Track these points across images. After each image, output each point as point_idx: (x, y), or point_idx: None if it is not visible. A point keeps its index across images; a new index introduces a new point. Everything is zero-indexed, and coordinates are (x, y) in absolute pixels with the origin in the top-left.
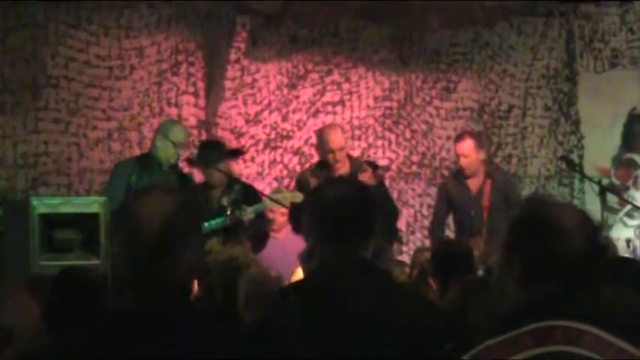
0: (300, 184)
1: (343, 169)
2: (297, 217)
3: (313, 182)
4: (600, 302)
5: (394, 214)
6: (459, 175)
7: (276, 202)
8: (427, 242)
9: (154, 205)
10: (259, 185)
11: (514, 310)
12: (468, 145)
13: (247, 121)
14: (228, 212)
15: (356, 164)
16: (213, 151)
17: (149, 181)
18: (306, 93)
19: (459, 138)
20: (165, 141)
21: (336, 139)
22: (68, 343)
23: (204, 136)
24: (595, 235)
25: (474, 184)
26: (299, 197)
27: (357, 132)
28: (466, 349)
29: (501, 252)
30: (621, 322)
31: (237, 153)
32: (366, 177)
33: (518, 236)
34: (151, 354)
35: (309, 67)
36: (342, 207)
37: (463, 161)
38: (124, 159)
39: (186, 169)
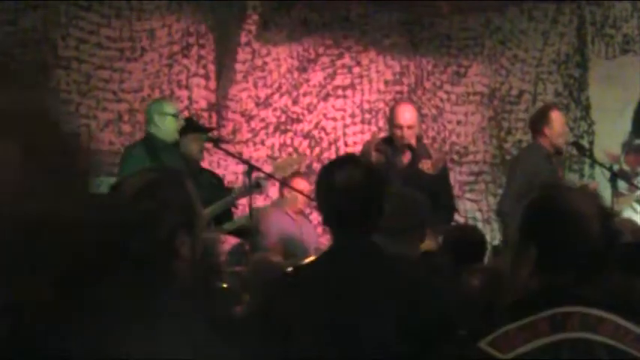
0: (363, 156)
1: (406, 150)
2: None
3: (375, 156)
4: (616, 289)
5: (449, 208)
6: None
7: (299, 191)
8: None
9: (127, 187)
10: (269, 168)
11: (531, 296)
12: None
13: (257, 104)
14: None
15: (421, 150)
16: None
17: (160, 165)
18: (316, 76)
19: (551, 108)
20: (164, 117)
21: (406, 115)
22: None
23: (214, 119)
24: (609, 220)
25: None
26: (304, 160)
27: (367, 116)
28: (481, 336)
29: (517, 238)
30: (638, 309)
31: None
32: (427, 165)
33: (536, 223)
34: None
35: (320, 50)
36: (347, 193)
37: (558, 135)
38: (131, 143)
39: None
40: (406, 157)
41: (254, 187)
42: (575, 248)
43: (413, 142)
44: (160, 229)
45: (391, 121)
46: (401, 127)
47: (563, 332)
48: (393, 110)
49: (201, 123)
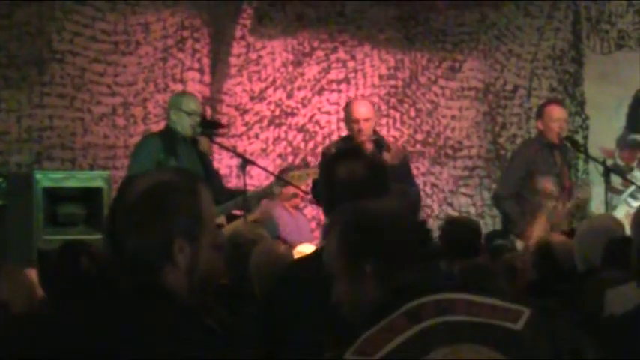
0: (325, 157)
1: (368, 144)
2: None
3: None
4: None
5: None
6: (544, 140)
7: (293, 184)
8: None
9: (136, 184)
10: (263, 162)
11: (380, 302)
12: (565, 112)
13: (252, 98)
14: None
15: (381, 142)
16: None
17: (176, 160)
18: (311, 70)
19: (554, 103)
20: (179, 112)
21: (361, 109)
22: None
23: (208, 113)
24: (415, 214)
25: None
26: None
27: None
28: (345, 349)
29: (343, 260)
30: (483, 286)
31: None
32: (388, 156)
33: (359, 239)
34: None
35: (315, 44)
36: (351, 186)
37: (559, 126)
38: (148, 135)
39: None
40: (368, 151)
41: (267, 192)
42: (399, 249)
43: (370, 135)
44: (154, 232)
45: (348, 118)
46: (358, 122)
47: (421, 322)
48: (347, 107)
49: (211, 120)
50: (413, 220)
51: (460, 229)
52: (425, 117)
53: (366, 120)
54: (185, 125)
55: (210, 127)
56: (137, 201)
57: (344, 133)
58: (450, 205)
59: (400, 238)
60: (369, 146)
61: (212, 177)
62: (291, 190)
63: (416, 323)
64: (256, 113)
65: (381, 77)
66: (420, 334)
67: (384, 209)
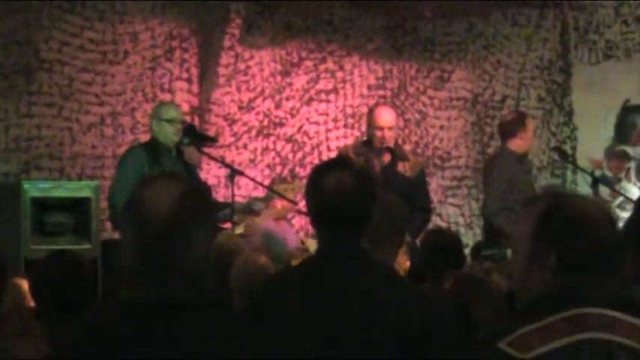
0: None
1: (386, 152)
2: None
3: (353, 159)
4: (627, 290)
5: (425, 211)
6: (517, 153)
7: (282, 195)
8: None
9: (163, 192)
10: (251, 172)
11: (547, 299)
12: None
13: (240, 108)
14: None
15: (400, 153)
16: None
17: (160, 170)
18: (299, 80)
19: (526, 116)
20: (160, 122)
21: (386, 117)
22: (81, 341)
23: (197, 122)
24: (615, 225)
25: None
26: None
27: (350, 120)
28: (500, 337)
29: (531, 242)
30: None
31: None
32: (405, 167)
33: (551, 228)
34: (166, 347)
35: (303, 54)
36: (339, 196)
37: (531, 141)
38: (133, 146)
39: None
40: (385, 159)
41: (249, 210)
42: (590, 252)
43: (392, 144)
44: (210, 234)
45: (371, 123)
46: (382, 129)
47: (582, 332)
48: (372, 112)
49: (200, 132)
50: (610, 233)
51: (444, 240)
52: (413, 127)
53: (390, 128)
54: (168, 133)
55: (201, 139)
56: (180, 211)
57: (332, 143)
58: (439, 215)
59: (597, 243)
60: (387, 155)
61: None
62: (281, 203)
63: (576, 332)
64: (245, 123)
65: (369, 87)
66: (578, 345)
67: (593, 210)
